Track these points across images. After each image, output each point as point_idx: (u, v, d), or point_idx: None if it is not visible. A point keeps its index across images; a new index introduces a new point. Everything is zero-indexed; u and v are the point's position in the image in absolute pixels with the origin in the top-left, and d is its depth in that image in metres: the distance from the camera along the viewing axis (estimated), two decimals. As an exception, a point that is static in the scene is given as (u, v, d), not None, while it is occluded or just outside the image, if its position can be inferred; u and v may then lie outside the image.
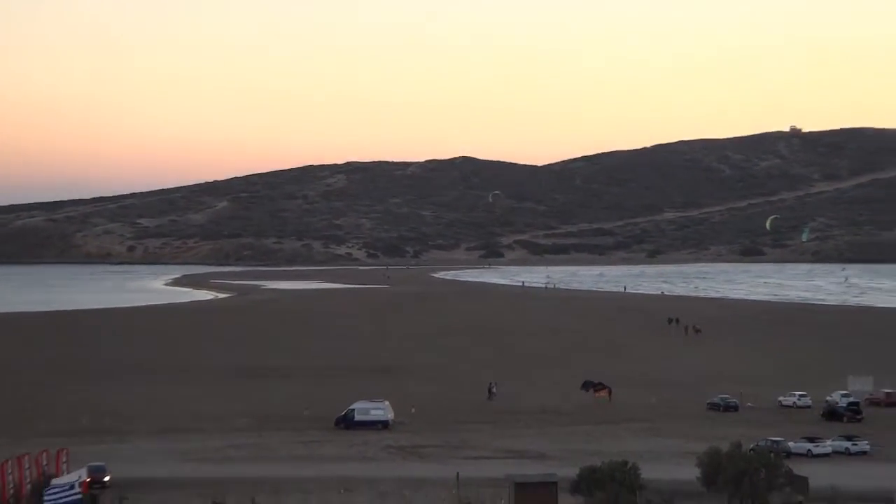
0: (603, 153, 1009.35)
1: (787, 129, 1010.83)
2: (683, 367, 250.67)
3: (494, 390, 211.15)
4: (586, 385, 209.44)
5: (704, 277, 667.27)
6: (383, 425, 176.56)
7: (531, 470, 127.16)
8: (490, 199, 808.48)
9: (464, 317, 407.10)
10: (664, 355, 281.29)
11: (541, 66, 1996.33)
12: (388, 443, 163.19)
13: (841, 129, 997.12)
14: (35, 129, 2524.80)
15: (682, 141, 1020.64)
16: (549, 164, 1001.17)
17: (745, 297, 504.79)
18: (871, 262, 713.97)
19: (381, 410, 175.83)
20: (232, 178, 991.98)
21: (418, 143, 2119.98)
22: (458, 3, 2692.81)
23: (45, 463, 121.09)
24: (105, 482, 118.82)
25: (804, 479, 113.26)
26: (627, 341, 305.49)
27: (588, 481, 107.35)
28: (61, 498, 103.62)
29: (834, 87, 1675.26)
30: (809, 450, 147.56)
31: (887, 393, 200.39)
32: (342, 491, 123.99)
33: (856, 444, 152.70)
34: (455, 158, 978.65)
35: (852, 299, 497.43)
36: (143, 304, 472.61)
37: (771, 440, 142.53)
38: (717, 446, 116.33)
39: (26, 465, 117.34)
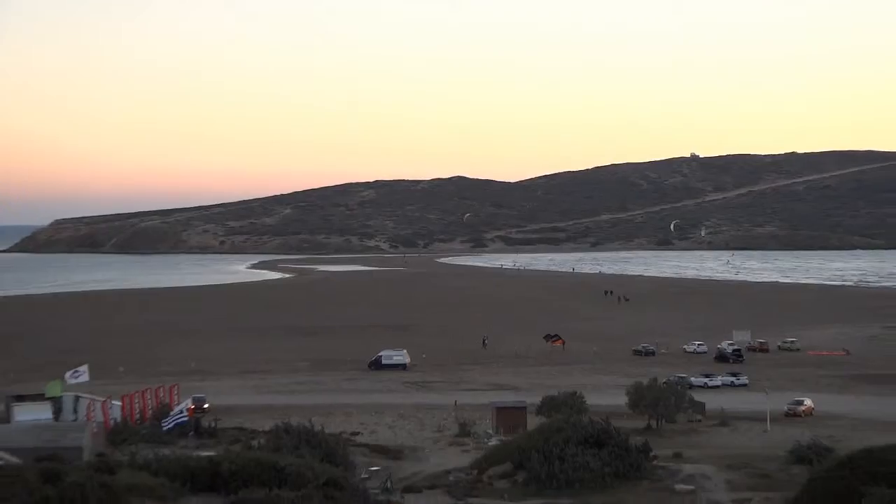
0: (558, 173, 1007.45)
1: (688, 154, 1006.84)
2: (615, 324, 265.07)
3: (487, 342, 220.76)
4: (547, 337, 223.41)
5: (630, 262, 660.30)
6: (402, 367, 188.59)
7: (508, 398, 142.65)
8: (464, 219, 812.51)
9: (459, 290, 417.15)
10: (602, 317, 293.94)
11: (512, 107, 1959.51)
12: (405, 379, 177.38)
13: (727, 155, 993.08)
14: (153, 155, 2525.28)
15: (614, 164, 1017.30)
16: (519, 181, 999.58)
17: (659, 276, 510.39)
18: (748, 249, 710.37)
19: (400, 356, 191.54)
20: (294, 192, 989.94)
21: (426, 165, 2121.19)
22: (438, 66, 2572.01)
23: (162, 395, 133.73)
24: (205, 408, 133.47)
25: (702, 404, 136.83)
26: (575, 307, 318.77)
27: (548, 406, 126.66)
28: (175, 420, 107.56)
29: (722, 123, 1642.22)
30: (705, 383, 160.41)
31: (760, 342, 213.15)
32: (374, 413, 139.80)
33: (738, 379, 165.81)
34: (452, 177, 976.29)
35: (733, 276, 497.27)
36: (232, 281, 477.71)
37: (678, 376, 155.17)
38: (640, 381, 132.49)
39: (149, 396, 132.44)
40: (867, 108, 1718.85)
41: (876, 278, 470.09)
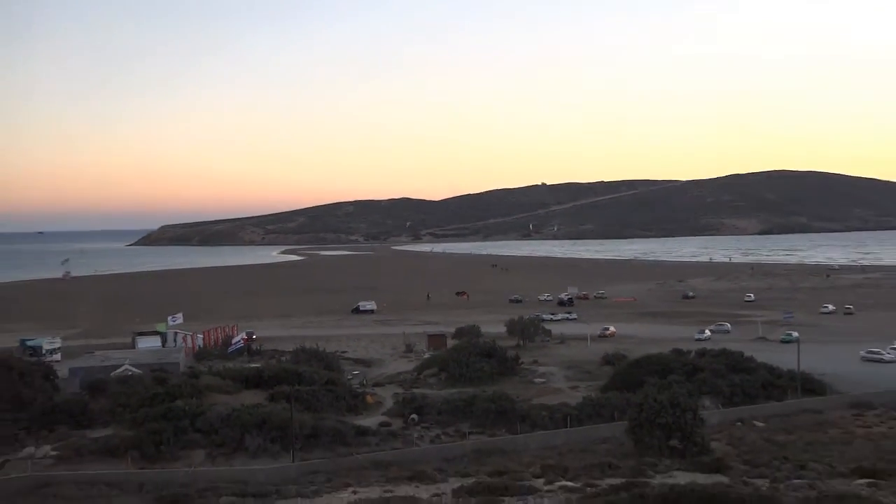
0: (463, 195, 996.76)
1: (540, 182, 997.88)
2: (498, 285, 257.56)
3: (430, 297, 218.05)
4: (458, 293, 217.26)
5: (506, 247, 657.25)
6: (371, 312, 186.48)
7: (436, 329, 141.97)
8: (406, 225, 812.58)
9: (405, 264, 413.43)
10: (491, 280, 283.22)
11: (436, 145, 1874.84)
12: (374, 319, 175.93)
13: (565, 183, 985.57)
14: (222, 180, 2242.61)
15: (496, 189, 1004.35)
16: (441, 200, 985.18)
17: (524, 255, 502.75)
18: (577, 239, 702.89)
19: (370, 305, 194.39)
20: (305, 208, 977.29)
21: (385, 188, 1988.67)
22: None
23: (227, 330, 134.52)
24: (254, 338, 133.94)
25: (549, 330, 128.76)
26: (474, 274, 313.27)
27: (459, 333, 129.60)
28: (235, 346, 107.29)
29: (561, 160, 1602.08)
30: (551, 318, 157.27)
31: (583, 293, 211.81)
32: (354, 339, 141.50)
33: (570, 316, 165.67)
34: (401, 198, 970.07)
35: (568, 254, 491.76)
36: (267, 262, 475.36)
37: (535, 314, 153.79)
38: (513, 317, 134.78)
39: (219, 332, 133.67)
40: (645, 148, 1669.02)
41: (650, 256, 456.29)
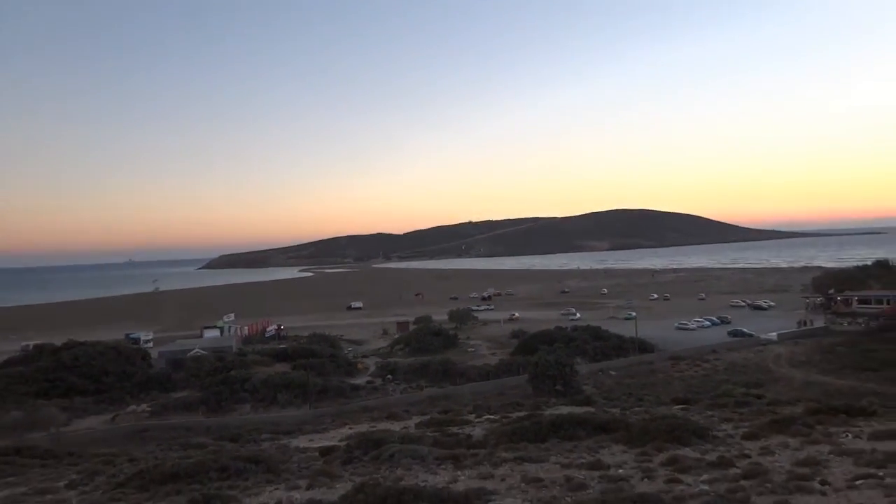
0: (417, 230, 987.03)
1: (467, 221, 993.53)
2: (444, 287, 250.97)
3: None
4: (416, 294, 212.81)
5: (447, 264, 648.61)
6: (360, 308, 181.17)
7: (402, 318, 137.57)
8: (381, 253, 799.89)
9: (382, 276, 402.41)
10: (436, 285, 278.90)
11: (403, 188, 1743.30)
12: (362, 314, 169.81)
13: (485, 220, 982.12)
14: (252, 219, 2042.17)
15: (440, 225, 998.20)
16: (405, 233, 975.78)
17: (458, 268, 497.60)
18: (495, 256, 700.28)
19: (360, 304, 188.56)
20: (312, 241, 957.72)
21: (368, 225, 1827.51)
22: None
23: (264, 324, 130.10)
24: (282, 328, 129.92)
25: (476, 317, 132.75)
26: (426, 281, 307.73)
27: (418, 321, 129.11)
28: (269, 333, 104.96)
29: (488, 205, 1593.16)
30: (477, 308, 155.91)
31: (497, 292, 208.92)
32: (348, 327, 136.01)
33: (490, 307, 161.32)
34: (376, 233, 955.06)
35: (487, 267, 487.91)
36: (289, 277, 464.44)
37: (467, 307, 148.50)
38: (453, 309, 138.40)
39: (258, 325, 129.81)
40: (536, 193, 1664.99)
41: (540, 266, 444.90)
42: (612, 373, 72.83)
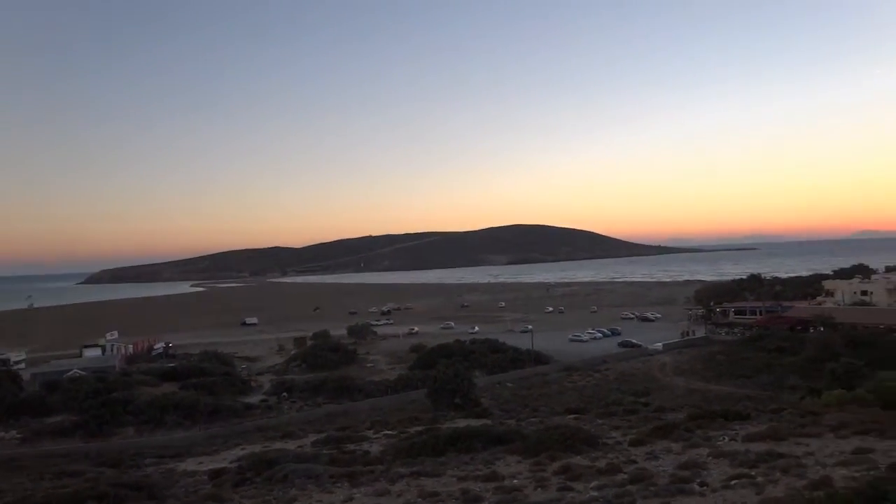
0: (316, 244, 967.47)
1: (368, 234, 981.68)
2: (343, 302, 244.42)
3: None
4: (315, 310, 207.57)
5: (343, 278, 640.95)
6: (255, 325, 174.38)
7: (300, 334, 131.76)
8: (278, 266, 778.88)
9: (277, 290, 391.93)
10: (333, 301, 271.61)
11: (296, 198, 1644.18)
12: (257, 329, 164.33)
13: (386, 234, 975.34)
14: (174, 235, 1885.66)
15: (341, 238, 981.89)
16: (304, 247, 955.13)
17: (355, 283, 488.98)
18: (396, 271, 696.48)
19: (254, 319, 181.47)
20: (207, 255, 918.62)
21: (263, 237, 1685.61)
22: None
23: (149, 342, 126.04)
24: (169, 346, 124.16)
25: (375, 332, 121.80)
26: (322, 296, 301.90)
27: (315, 336, 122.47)
28: (156, 352, 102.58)
29: (390, 217, 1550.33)
30: (377, 323, 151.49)
31: (407, 306, 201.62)
32: (243, 343, 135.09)
33: (390, 321, 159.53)
34: (272, 247, 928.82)
35: (388, 281, 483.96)
36: (181, 292, 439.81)
37: (367, 322, 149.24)
38: (352, 324, 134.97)
39: (144, 343, 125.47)
40: (436, 209, 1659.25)
41: (441, 280, 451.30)
42: (509, 385, 74.10)
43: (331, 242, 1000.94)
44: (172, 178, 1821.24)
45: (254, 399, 72.44)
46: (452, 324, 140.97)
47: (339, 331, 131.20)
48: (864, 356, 59.16)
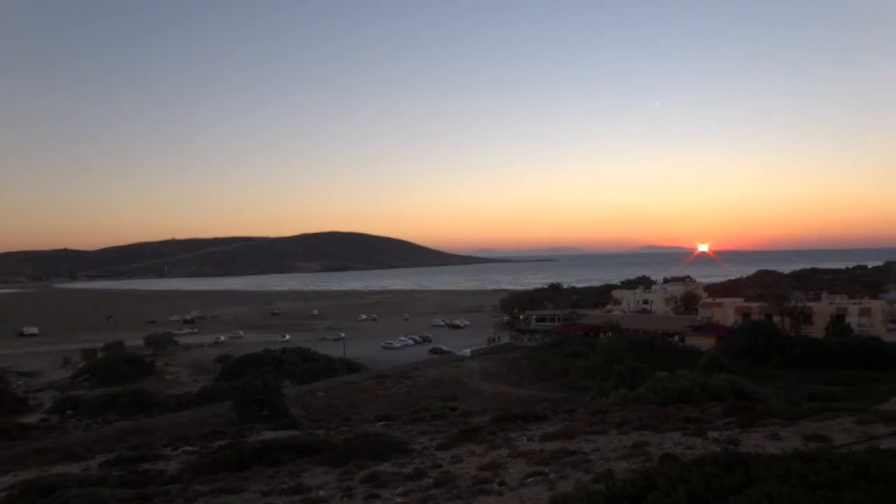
0: (112, 247, 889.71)
1: (171, 238, 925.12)
2: (140, 310, 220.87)
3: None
4: (108, 317, 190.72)
5: (138, 286, 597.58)
6: (35, 335, 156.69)
7: (89, 345, 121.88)
8: (62, 270, 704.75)
9: (69, 297, 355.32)
10: (133, 307, 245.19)
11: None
12: (38, 340, 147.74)
13: (191, 238, 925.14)
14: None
15: (140, 242, 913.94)
16: (98, 249, 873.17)
17: (162, 289, 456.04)
18: (203, 277, 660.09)
19: (34, 329, 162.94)
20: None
21: (49, 239, 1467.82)
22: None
23: None
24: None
25: (177, 342, 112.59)
26: (120, 304, 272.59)
27: (107, 347, 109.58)
28: None
29: (195, 222, 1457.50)
30: (179, 332, 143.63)
31: (203, 314, 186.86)
32: (20, 357, 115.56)
33: (195, 330, 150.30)
34: (62, 249, 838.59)
35: (194, 287, 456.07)
36: None
37: (168, 331, 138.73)
38: (150, 334, 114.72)
39: None
40: (245, 214, 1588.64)
41: (250, 287, 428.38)
42: (320, 394, 73.19)
43: (129, 246, 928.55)
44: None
45: (32, 419, 65.05)
46: (241, 333, 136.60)
47: (136, 341, 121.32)
48: (645, 359, 66.12)
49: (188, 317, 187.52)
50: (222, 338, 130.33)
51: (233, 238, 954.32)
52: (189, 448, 35.96)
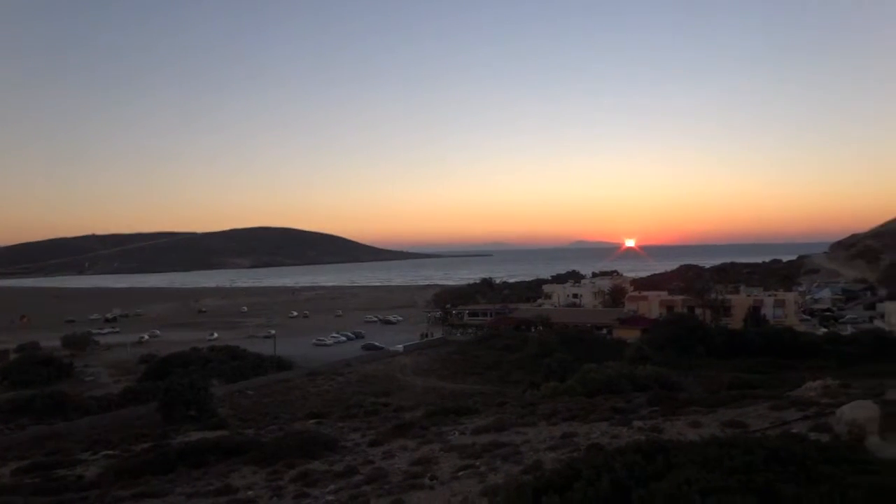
0: (24, 243, 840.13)
1: (91, 233, 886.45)
2: (55, 310, 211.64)
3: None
4: (21, 317, 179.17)
5: (52, 283, 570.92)
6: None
7: (2, 346, 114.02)
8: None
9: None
10: (49, 307, 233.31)
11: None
12: None
13: (112, 234, 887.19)
14: None
15: (57, 237, 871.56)
16: (9, 246, 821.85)
17: (80, 287, 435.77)
18: (126, 274, 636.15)
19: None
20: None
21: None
22: None
23: None
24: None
25: (98, 342, 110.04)
26: (36, 303, 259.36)
27: (20, 348, 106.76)
28: None
29: (116, 216, 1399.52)
30: (100, 332, 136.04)
31: (126, 312, 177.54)
32: None
33: (116, 329, 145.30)
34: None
35: (115, 285, 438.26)
36: None
37: (87, 330, 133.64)
38: (68, 333, 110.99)
39: None
40: (173, 206, 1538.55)
41: (174, 284, 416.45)
42: (250, 392, 71.78)
43: (44, 241, 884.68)
44: None
45: (-65, 426, 61.46)
46: (158, 332, 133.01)
47: (53, 342, 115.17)
48: (574, 351, 67.66)
49: (109, 315, 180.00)
50: (146, 337, 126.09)
51: (157, 233, 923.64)
52: (110, 452, 34.67)
